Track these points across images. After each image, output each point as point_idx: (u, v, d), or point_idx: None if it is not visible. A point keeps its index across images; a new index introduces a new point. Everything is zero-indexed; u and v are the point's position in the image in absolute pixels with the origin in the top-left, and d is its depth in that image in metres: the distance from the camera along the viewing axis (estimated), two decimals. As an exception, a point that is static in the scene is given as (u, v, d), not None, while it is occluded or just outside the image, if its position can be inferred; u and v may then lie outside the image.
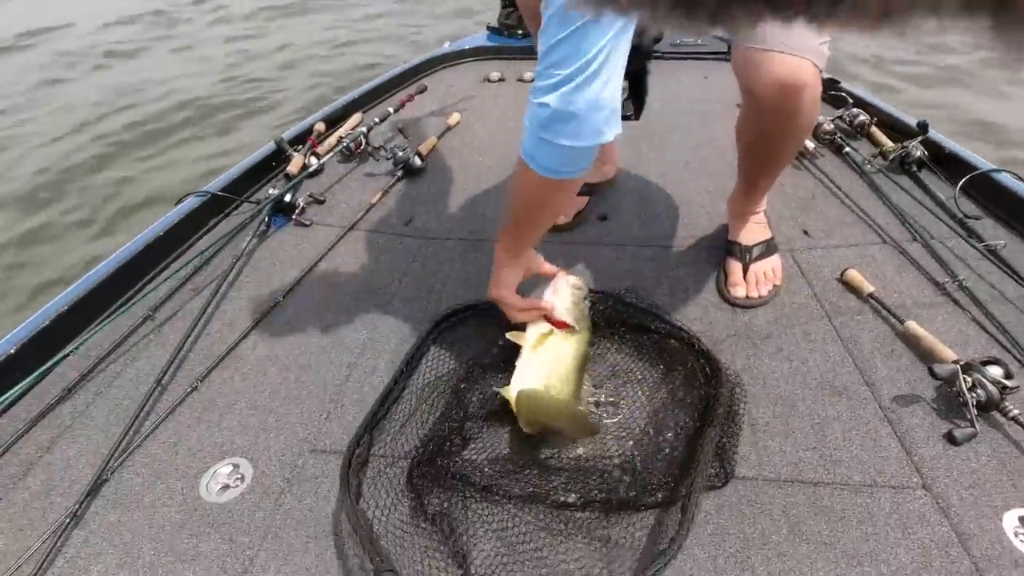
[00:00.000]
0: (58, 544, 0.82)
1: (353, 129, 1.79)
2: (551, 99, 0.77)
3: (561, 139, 0.79)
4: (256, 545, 0.82)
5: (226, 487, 0.90)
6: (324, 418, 1.00)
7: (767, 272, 1.20)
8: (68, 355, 1.09)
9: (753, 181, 1.22)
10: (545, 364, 0.97)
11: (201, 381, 1.06)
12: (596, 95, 0.76)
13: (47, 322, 1.12)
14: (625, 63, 0.79)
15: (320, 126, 1.84)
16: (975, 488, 0.84)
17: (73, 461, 0.94)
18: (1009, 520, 0.80)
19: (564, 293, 1.01)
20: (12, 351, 1.05)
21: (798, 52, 0.93)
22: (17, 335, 1.08)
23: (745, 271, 1.20)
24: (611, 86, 0.78)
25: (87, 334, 1.13)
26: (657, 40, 2.41)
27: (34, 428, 0.99)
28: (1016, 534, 0.79)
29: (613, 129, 0.81)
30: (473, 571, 0.78)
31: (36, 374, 1.04)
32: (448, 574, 0.77)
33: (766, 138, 1.10)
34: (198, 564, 0.80)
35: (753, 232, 1.24)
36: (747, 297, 1.18)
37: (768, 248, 1.23)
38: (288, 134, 1.76)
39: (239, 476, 0.91)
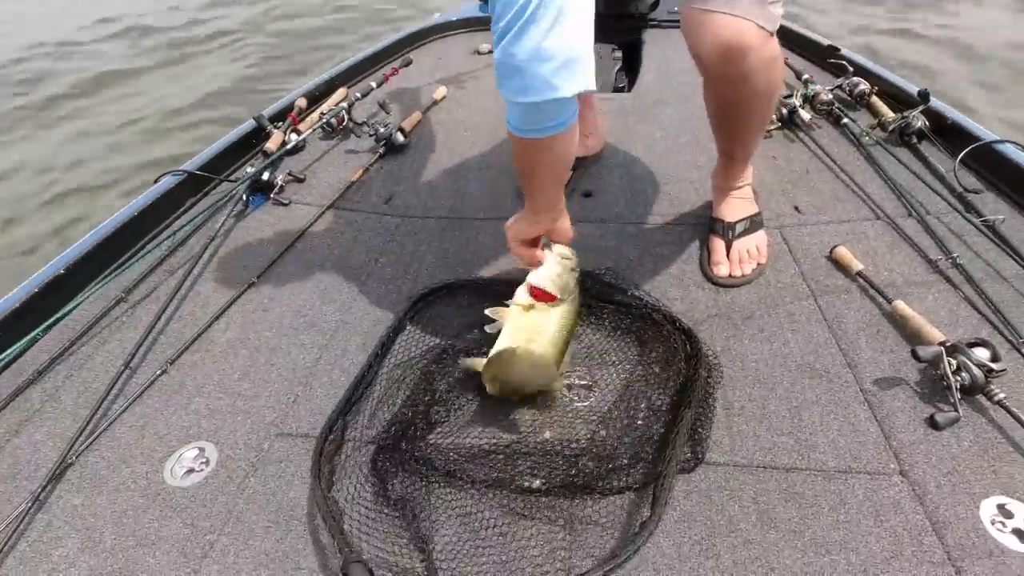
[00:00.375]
0: (21, 528, 0.82)
1: (336, 105, 1.75)
2: (496, 53, 0.74)
3: (512, 95, 0.76)
4: (217, 529, 0.81)
5: (191, 471, 0.89)
6: (292, 401, 0.98)
7: (751, 250, 1.16)
8: (39, 337, 1.09)
9: (727, 153, 1.17)
10: (524, 336, 0.93)
11: (171, 364, 1.05)
12: (536, 43, 0.70)
13: (18, 303, 1.11)
14: (587, 10, 0.73)
15: (301, 102, 1.79)
16: (954, 475, 0.82)
17: (40, 444, 0.94)
18: (987, 508, 0.78)
19: (550, 262, 0.97)
20: None
21: (740, 13, 0.87)
22: None
23: (728, 248, 1.16)
24: (556, 33, 0.70)
25: (59, 316, 1.12)
26: (653, 6, 2.32)
27: (4, 411, 0.99)
28: (993, 522, 0.76)
29: (570, 82, 0.73)
30: (435, 556, 0.77)
31: (6, 356, 1.03)
32: (411, 560, 0.76)
33: (723, 107, 1.05)
34: (158, 548, 0.80)
35: (736, 208, 1.20)
36: (730, 276, 1.14)
37: (752, 224, 1.19)
38: (268, 111, 1.73)
39: (204, 460, 0.90)
